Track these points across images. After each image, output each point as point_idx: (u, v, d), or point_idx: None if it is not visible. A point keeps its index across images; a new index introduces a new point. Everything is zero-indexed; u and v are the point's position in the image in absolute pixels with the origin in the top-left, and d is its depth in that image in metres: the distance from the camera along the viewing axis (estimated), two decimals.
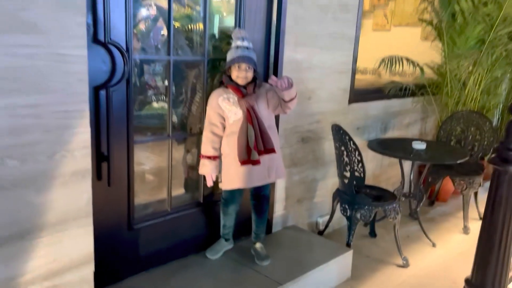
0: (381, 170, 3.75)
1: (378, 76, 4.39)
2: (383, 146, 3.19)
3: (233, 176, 2.26)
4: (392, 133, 3.75)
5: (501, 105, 4.71)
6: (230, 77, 2.22)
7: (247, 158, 2.21)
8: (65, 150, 1.72)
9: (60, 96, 1.66)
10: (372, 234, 3.28)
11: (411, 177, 3.41)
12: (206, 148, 2.26)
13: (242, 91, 2.19)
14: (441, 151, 3.28)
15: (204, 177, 2.32)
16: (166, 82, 2.28)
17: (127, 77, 1.97)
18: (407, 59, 3.51)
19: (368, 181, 3.39)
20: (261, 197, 2.41)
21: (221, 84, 2.27)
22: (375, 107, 3.50)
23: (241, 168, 2.22)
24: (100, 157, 1.97)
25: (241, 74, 2.17)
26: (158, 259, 2.31)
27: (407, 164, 3.45)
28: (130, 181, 2.11)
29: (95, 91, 1.90)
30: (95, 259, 1.93)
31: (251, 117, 2.19)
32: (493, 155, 2.31)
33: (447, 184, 3.87)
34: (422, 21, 3.89)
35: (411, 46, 4.06)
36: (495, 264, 2.33)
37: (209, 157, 2.26)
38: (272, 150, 2.26)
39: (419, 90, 3.79)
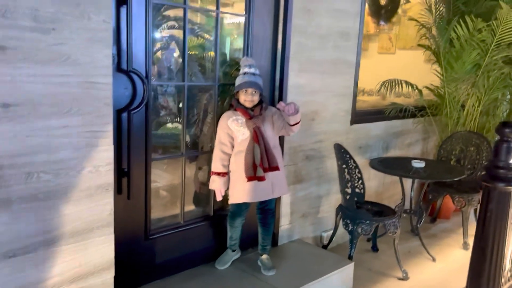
0: (384, 188, 3.91)
1: (383, 98, 4.60)
2: (384, 165, 3.37)
3: (239, 191, 2.45)
4: (394, 153, 3.92)
5: None
6: (238, 100, 2.43)
7: (253, 174, 2.39)
8: (92, 166, 1.94)
9: (88, 118, 1.89)
10: (374, 248, 3.43)
11: (412, 194, 3.57)
12: (216, 165, 2.46)
13: (249, 114, 2.40)
14: (439, 169, 3.45)
15: (214, 192, 2.52)
16: (181, 105, 2.50)
17: (146, 101, 2.20)
18: (406, 82, 3.71)
19: (371, 198, 3.57)
20: (266, 211, 2.59)
21: (230, 107, 2.49)
22: (377, 127, 3.68)
23: (247, 184, 2.42)
24: (121, 173, 2.19)
25: (248, 98, 2.38)
26: (172, 267, 2.50)
27: (408, 182, 3.61)
28: (147, 195, 2.32)
29: (117, 114, 2.13)
30: (115, 265, 2.12)
31: (258, 137, 2.39)
32: (483, 173, 2.49)
33: (449, 201, 4.01)
34: (421, 46, 4.09)
35: (415, 68, 4.26)
36: (487, 276, 2.47)
37: (218, 174, 2.46)
38: (276, 168, 2.45)
39: (420, 111, 3.98)
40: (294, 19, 2.76)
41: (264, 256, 2.64)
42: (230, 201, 2.51)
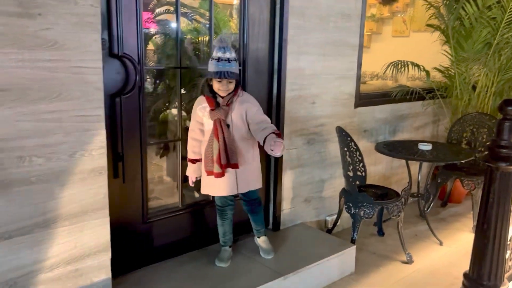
0: (392, 172, 3.85)
1: (395, 81, 4.51)
2: (390, 148, 3.30)
3: (205, 183, 2.37)
4: (401, 136, 3.85)
5: None
6: (211, 86, 2.25)
7: (212, 169, 2.26)
8: (84, 150, 1.96)
9: (79, 103, 1.91)
10: (380, 232, 3.39)
11: (419, 178, 3.50)
12: (188, 152, 2.39)
13: (215, 103, 2.23)
14: (446, 151, 3.37)
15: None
16: (176, 89, 2.51)
17: (139, 85, 2.21)
18: (412, 63, 3.62)
19: (379, 182, 3.53)
20: (250, 202, 2.48)
21: (202, 92, 2.35)
22: (383, 110, 3.62)
23: (209, 177, 2.31)
24: (116, 157, 2.22)
25: (222, 87, 2.20)
26: (170, 251, 2.53)
27: (416, 166, 3.54)
28: (143, 179, 2.35)
29: (111, 98, 2.16)
30: (113, 248, 2.16)
31: (217, 131, 2.22)
32: (485, 153, 2.42)
33: (460, 185, 3.92)
34: (430, 27, 3.98)
35: (430, 50, 4.14)
36: (490, 258, 2.42)
37: (190, 160, 2.39)
38: (235, 166, 2.27)
39: (429, 93, 3.88)
40: (292, 0, 2.72)
41: (262, 239, 2.61)
42: (201, 191, 2.43)
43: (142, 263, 2.42)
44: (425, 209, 3.39)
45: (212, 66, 2.19)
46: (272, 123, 2.37)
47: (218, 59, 2.16)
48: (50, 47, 1.80)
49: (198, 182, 2.45)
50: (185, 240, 2.61)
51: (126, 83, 2.18)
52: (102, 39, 1.97)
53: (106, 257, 2.13)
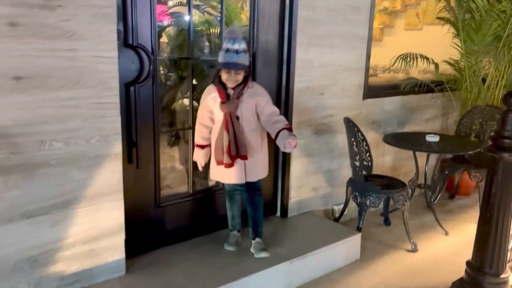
0: (400, 164, 3.90)
1: (406, 74, 4.53)
2: (398, 139, 3.36)
3: (214, 170, 2.44)
4: (410, 128, 3.89)
5: None
6: (219, 77, 2.28)
7: (222, 159, 2.33)
8: (100, 136, 2.07)
9: (95, 91, 2.02)
10: (387, 222, 3.45)
11: (426, 169, 3.55)
12: (197, 138, 2.45)
13: (225, 95, 2.27)
14: (453, 143, 3.41)
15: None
16: (188, 79, 2.60)
17: (153, 75, 2.31)
18: (421, 56, 3.65)
19: (386, 173, 3.57)
20: (251, 188, 2.49)
21: (213, 82, 2.35)
22: (391, 102, 3.66)
23: (219, 166, 2.38)
24: (130, 144, 2.32)
25: (230, 78, 2.24)
26: (181, 235, 2.64)
27: (423, 157, 3.59)
28: (156, 165, 2.45)
29: (126, 87, 2.25)
30: (127, 231, 2.27)
31: (227, 124, 2.27)
32: (489, 143, 2.47)
33: (468, 178, 3.95)
34: (440, 19, 4.00)
35: (442, 44, 4.16)
36: (492, 247, 2.47)
37: (198, 146, 2.45)
38: (244, 157, 2.32)
39: (438, 86, 3.91)
40: None
41: (256, 240, 2.54)
42: (210, 177, 2.51)
43: (154, 246, 2.53)
44: (432, 200, 3.43)
45: (220, 57, 2.24)
46: (280, 114, 2.44)
47: (227, 50, 2.21)
48: (69, 37, 1.90)
49: (206, 167, 2.53)
50: (195, 225, 2.71)
51: (140, 72, 2.27)
52: (117, 30, 2.07)
53: (120, 238, 2.24)
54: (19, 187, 1.89)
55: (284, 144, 2.22)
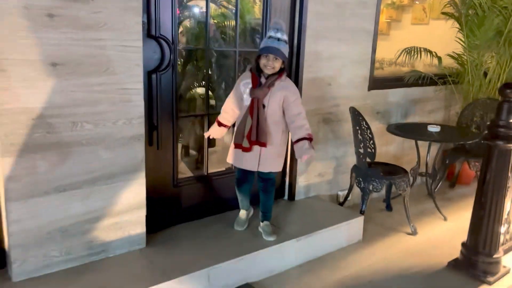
0: (403, 153, 4.07)
1: (412, 67, 4.68)
2: (401, 129, 3.53)
3: (231, 153, 2.60)
4: (413, 119, 4.06)
5: None
6: (258, 63, 2.43)
7: (240, 142, 2.48)
8: (125, 119, 2.26)
9: (122, 77, 2.21)
10: (388, 208, 3.64)
11: (428, 158, 3.72)
12: (220, 115, 2.63)
13: (258, 82, 2.42)
14: (453, 133, 3.57)
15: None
16: (205, 68, 2.78)
17: (173, 63, 2.49)
18: (425, 49, 3.81)
19: (390, 161, 3.74)
20: (266, 180, 2.64)
21: (251, 69, 2.50)
22: (395, 93, 3.83)
23: (236, 149, 2.54)
24: (152, 127, 2.51)
25: (268, 64, 2.37)
26: (195, 214, 2.84)
27: (425, 146, 3.75)
28: (174, 147, 2.65)
29: (148, 75, 2.44)
30: (147, 208, 2.47)
31: (253, 109, 2.41)
32: (485, 132, 2.64)
33: (468, 168, 4.12)
34: (445, 14, 4.14)
35: (448, 38, 4.30)
36: (486, 229, 2.66)
37: (217, 122, 2.62)
38: (263, 144, 2.45)
39: (441, 79, 4.06)
40: None
41: (265, 223, 2.69)
42: (227, 160, 2.66)
43: (171, 222, 2.73)
44: (432, 187, 3.60)
45: (263, 43, 2.40)
46: None
47: (269, 37, 2.37)
48: (100, 28, 2.08)
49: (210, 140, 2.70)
50: (209, 204, 2.91)
51: (161, 61, 2.46)
52: (142, 21, 2.25)
53: (142, 213, 2.44)
54: (53, 163, 2.09)
55: (301, 154, 2.43)
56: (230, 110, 2.61)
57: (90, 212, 2.26)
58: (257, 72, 2.46)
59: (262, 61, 2.41)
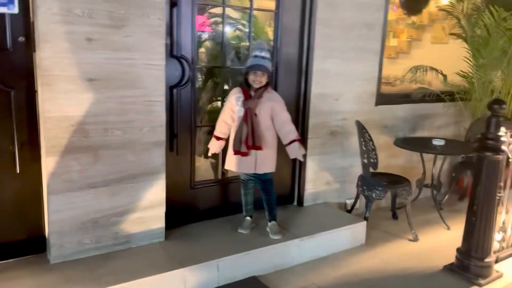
0: (411, 166, 4.26)
1: (429, 85, 4.90)
2: (407, 143, 3.75)
3: (229, 159, 2.90)
4: (421, 134, 4.26)
5: None
6: (247, 80, 2.78)
7: (239, 149, 2.79)
8: (150, 127, 2.62)
9: (147, 91, 2.57)
10: (394, 216, 3.84)
11: (433, 170, 3.91)
12: (216, 130, 2.91)
13: (249, 95, 2.77)
14: (457, 147, 3.77)
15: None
16: (221, 84, 3.13)
17: (192, 80, 2.85)
18: (431, 68, 4.04)
19: (397, 173, 3.94)
20: (263, 181, 2.95)
21: (240, 84, 2.87)
22: (403, 109, 4.06)
23: (234, 156, 2.84)
24: (172, 135, 2.86)
25: (256, 79, 2.74)
26: (211, 213, 3.16)
27: (432, 160, 3.95)
28: (192, 153, 2.99)
29: (170, 89, 2.81)
30: (167, 206, 2.80)
31: (247, 118, 2.75)
32: (476, 144, 2.85)
33: None
34: (453, 35, 4.37)
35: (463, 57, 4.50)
36: (478, 234, 2.85)
37: (215, 137, 2.91)
38: (258, 148, 2.78)
39: (449, 96, 4.26)
40: (319, 13, 3.26)
41: (272, 223, 2.97)
42: (224, 167, 2.96)
43: (187, 221, 3.05)
44: (436, 198, 3.79)
45: (249, 62, 2.78)
46: (298, 115, 3.09)
47: (255, 56, 2.76)
48: (129, 49, 2.46)
49: (214, 156, 3.03)
50: (222, 206, 3.22)
51: (182, 77, 2.82)
52: (165, 43, 2.62)
53: (162, 210, 2.78)
54: (87, 164, 2.46)
55: (294, 155, 2.85)
56: (224, 124, 2.89)
57: (117, 207, 2.60)
58: (247, 86, 2.81)
59: (251, 77, 2.77)
